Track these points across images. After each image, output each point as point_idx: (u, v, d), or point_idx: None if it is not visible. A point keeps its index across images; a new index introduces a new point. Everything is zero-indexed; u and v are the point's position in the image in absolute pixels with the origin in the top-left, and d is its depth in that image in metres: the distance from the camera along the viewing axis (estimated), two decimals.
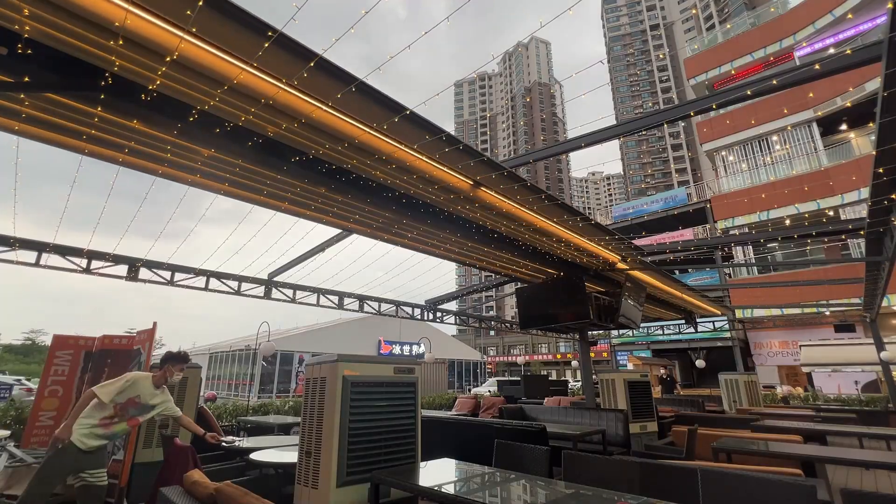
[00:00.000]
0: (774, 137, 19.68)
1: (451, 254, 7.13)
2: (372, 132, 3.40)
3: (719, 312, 14.14)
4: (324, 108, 3.11)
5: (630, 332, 21.12)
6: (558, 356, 49.88)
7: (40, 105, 3.23)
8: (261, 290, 8.73)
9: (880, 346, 10.57)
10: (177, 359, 3.77)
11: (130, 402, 3.35)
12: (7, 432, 5.33)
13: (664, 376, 11.51)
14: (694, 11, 53.26)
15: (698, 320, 15.29)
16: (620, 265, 7.76)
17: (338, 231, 6.36)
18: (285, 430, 6.57)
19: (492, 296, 53.20)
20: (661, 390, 11.84)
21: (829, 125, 18.74)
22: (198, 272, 7.73)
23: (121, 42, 2.62)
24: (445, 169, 4.01)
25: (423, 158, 3.79)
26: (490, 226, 5.59)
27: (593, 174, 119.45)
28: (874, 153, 3.65)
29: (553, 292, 8.34)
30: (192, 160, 3.99)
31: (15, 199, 4.78)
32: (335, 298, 9.95)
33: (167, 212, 5.52)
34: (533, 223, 5.44)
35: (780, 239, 6.16)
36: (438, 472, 2.88)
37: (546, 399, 11.42)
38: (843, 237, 5.86)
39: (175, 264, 7.44)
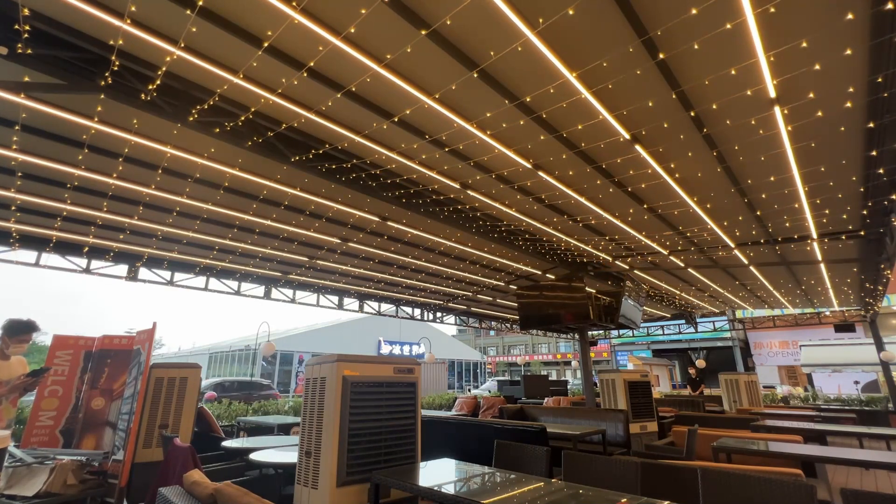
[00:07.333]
0: None
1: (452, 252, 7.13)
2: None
3: (718, 311, 14.12)
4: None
5: (630, 332, 21.15)
6: (558, 356, 49.80)
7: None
8: (261, 291, 8.73)
9: (880, 346, 10.57)
10: (10, 329, 3.17)
11: None
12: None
13: (694, 376, 11.47)
14: None
15: (698, 320, 15.28)
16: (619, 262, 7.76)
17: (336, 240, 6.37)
18: (285, 430, 6.57)
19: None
20: (691, 389, 11.91)
21: None
22: (197, 272, 7.73)
23: (120, 42, 2.62)
24: None
25: None
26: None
27: None
28: (874, 153, 3.66)
29: (553, 292, 8.34)
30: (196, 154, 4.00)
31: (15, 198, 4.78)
32: (335, 298, 9.95)
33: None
34: None
35: (781, 239, 6.17)
36: (438, 472, 2.88)
37: (546, 399, 11.41)
38: (844, 237, 5.88)
39: (175, 263, 7.43)
